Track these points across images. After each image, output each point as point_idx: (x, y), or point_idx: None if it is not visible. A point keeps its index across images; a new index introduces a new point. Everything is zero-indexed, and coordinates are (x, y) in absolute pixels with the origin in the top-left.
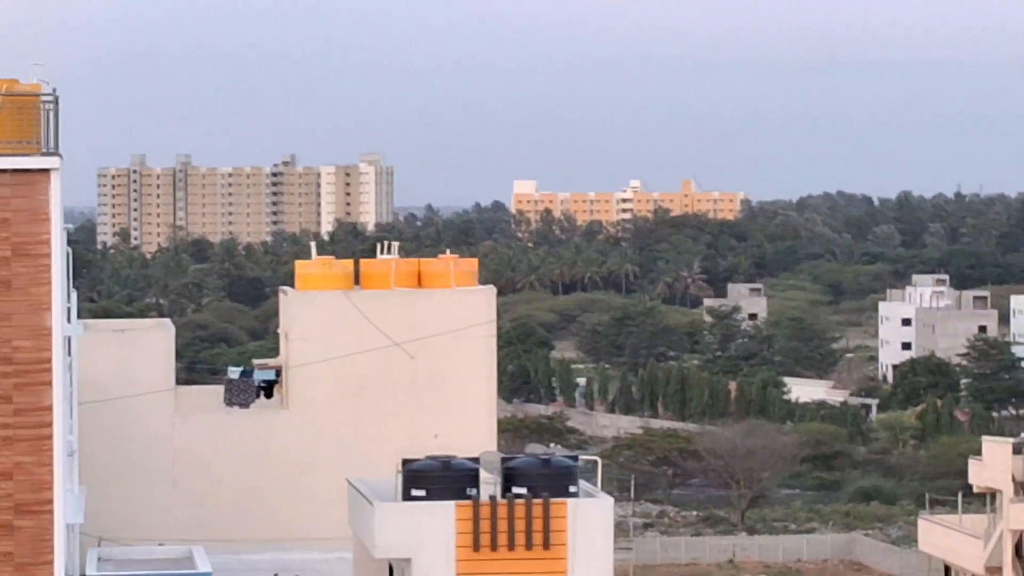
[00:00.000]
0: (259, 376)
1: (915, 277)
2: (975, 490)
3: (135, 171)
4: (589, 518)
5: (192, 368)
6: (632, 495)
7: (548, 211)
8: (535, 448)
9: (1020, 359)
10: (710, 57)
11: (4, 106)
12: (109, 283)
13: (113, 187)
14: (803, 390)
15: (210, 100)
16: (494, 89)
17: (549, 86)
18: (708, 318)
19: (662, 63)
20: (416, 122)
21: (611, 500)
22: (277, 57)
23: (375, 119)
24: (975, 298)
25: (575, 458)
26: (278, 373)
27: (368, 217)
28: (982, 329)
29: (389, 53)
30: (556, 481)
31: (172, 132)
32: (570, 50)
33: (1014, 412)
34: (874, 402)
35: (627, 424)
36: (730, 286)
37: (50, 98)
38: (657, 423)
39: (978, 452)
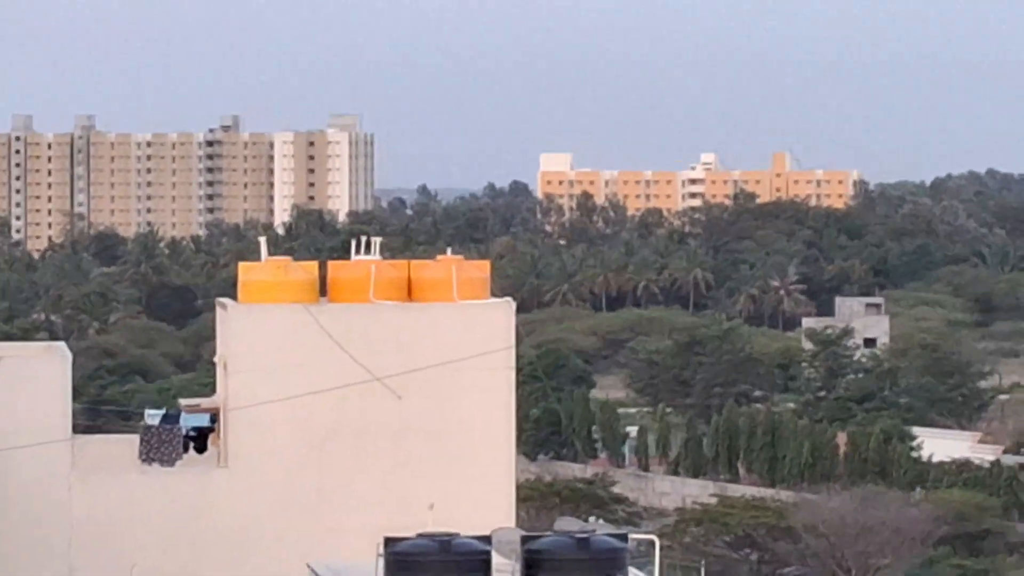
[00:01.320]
0: (188, 422)
1: None
2: None
3: (17, 138)
4: None
5: (95, 410)
6: None
7: (588, 196)
8: (568, 523)
9: None
10: None
11: None
12: None
13: None
14: (939, 444)
15: (120, 44)
16: (512, 31)
17: (589, 27)
18: (808, 344)
19: None
20: (405, 74)
21: None
22: None
23: (348, 69)
24: None
25: (624, 537)
26: (214, 418)
27: (339, 203)
28: None
29: None
30: (597, 569)
31: (69, 86)
32: None
33: None
34: None
35: (696, 490)
36: (838, 300)
37: None
38: (737, 489)
39: None
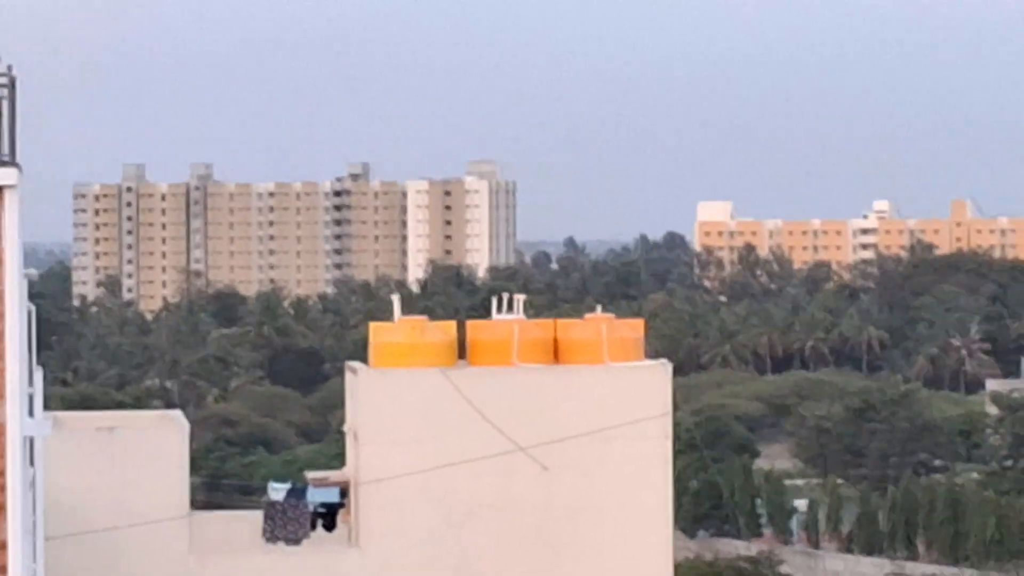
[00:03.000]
0: (315, 497)
1: None
2: None
3: (129, 188)
4: None
5: (214, 485)
6: None
7: (750, 247)
8: None
9: None
10: (989, 26)
11: None
12: (90, 356)
13: (97, 213)
14: None
15: (239, 87)
16: (664, 70)
17: (747, 65)
18: (993, 409)
19: (913, 35)
20: (548, 117)
21: None
22: (340, 35)
23: (487, 112)
24: None
25: None
26: (344, 493)
27: (478, 257)
28: None
29: (507, 19)
30: None
31: (184, 132)
32: (782, 20)
33: None
34: None
35: (870, 569)
36: None
37: (2, 80)
38: (916, 567)
39: None
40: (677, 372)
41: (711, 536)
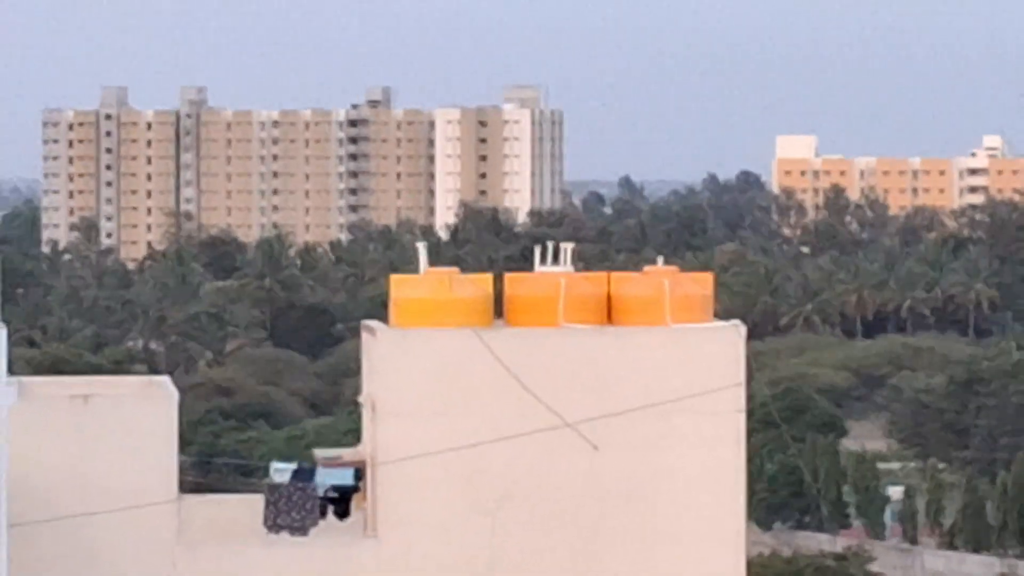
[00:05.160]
0: (325, 479)
1: None
2: None
3: (108, 116)
4: None
5: (208, 464)
6: None
7: (838, 190)
8: None
9: None
10: None
11: None
12: (63, 312)
13: (71, 145)
14: None
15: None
16: None
17: None
18: None
19: None
20: (601, 37)
21: None
22: None
23: (529, 29)
24: None
25: None
26: (359, 474)
27: (518, 199)
28: None
29: None
30: None
31: (175, 52)
32: None
33: None
34: None
35: (979, 570)
36: None
37: None
38: None
39: None
40: (752, 335)
41: (790, 529)
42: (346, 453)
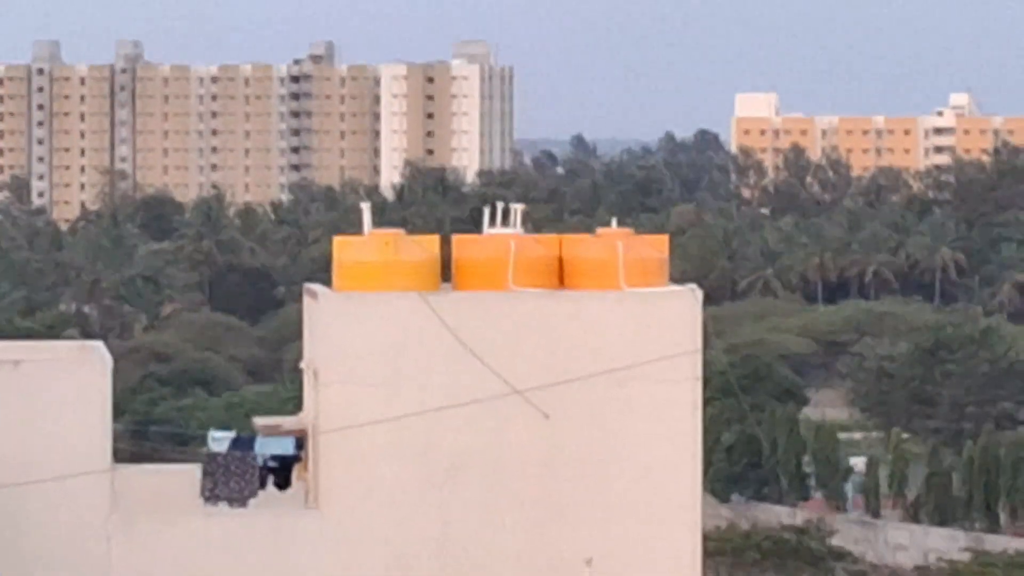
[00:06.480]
0: (265, 448)
1: None
2: None
3: (40, 70)
4: None
5: (143, 432)
6: None
7: (799, 150)
8: None
9: None
10: None
11: None
12: None
13: (2, 100)
14: None
15: None
16: None
17: None
18: None
19: None
20: None
21: None
22: None
23: None
24: None
25: None
26: (300, 443)
27: (467, 158)
28: None
29: None
30: None
31: (110, 5)
32: None
33: None
34: None
35: (942, 542)
36: None
37: None
38: (997, 541)
39: None
40: (709, 300)
41: (748, 501)
42: (287, 421)
